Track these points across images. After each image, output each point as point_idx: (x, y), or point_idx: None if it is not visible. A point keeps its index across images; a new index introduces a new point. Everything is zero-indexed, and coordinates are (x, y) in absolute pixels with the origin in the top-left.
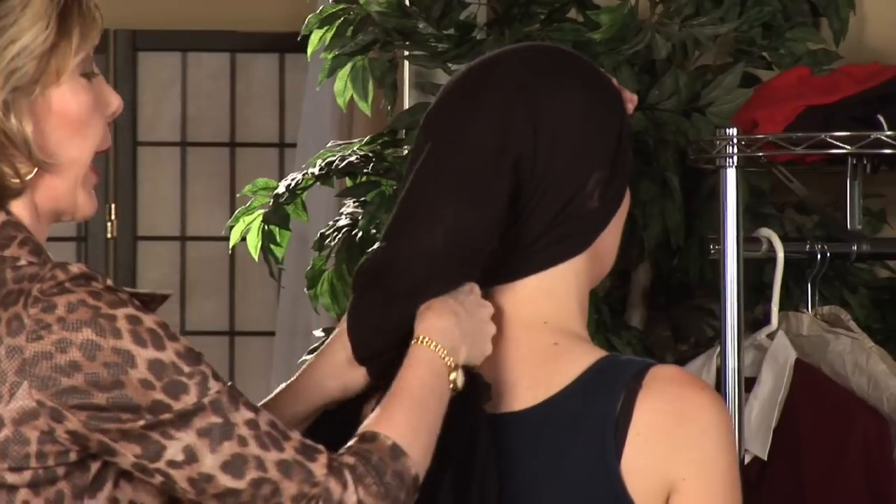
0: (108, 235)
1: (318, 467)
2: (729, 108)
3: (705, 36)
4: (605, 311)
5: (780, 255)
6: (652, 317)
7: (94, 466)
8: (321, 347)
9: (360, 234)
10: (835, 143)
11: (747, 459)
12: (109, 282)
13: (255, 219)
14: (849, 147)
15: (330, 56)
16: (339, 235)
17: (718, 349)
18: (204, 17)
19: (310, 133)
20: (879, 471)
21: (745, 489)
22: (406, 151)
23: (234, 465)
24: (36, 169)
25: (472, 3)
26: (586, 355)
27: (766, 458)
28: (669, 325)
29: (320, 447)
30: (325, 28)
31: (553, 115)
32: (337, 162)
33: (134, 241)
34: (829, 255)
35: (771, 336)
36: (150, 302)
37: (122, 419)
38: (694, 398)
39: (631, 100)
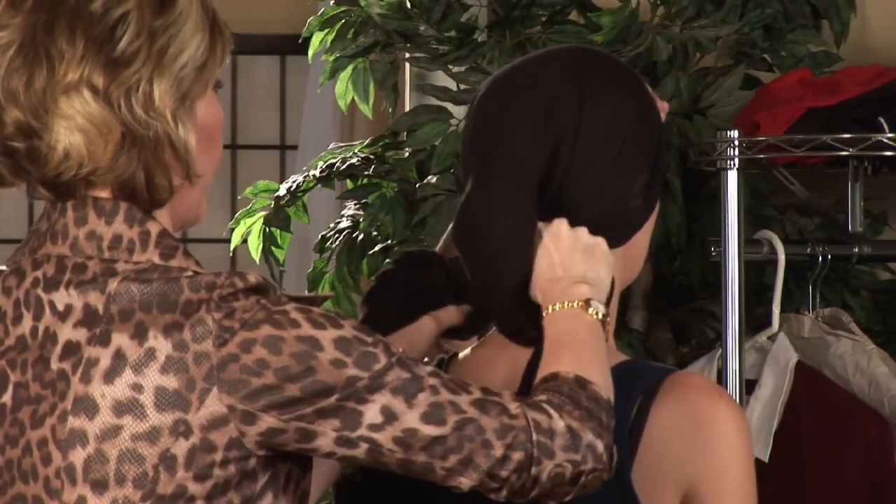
0: None
1: (509, 401)
2: (730, 110)
3: (706, 38)
4: None
5: (782, 257)
6: (653, 319)
7: (263, 478)
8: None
9: (361, 236)
10: (836, 145)
11: None
12: (279, 292)
13: (256, 221)
14: (850, 149)
15: (331, 58)
16: (341, 237)
17: (720, 351)
18: None
19: (311, 135)
20: (881, 472)
21: None
22: (407, 153)
23: (433, 414)
24: (181, 181)
25: (473, 5)
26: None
27: (767, 461)
28: (670, 327)
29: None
30: (327, 30)
31: (603, 115)
32: (338, 164)
33: None
34: (830, 257)
35: (772, 338)
36: (310, 304)
37: (318, 402)
38: (710, 405)
39: (663, 108)
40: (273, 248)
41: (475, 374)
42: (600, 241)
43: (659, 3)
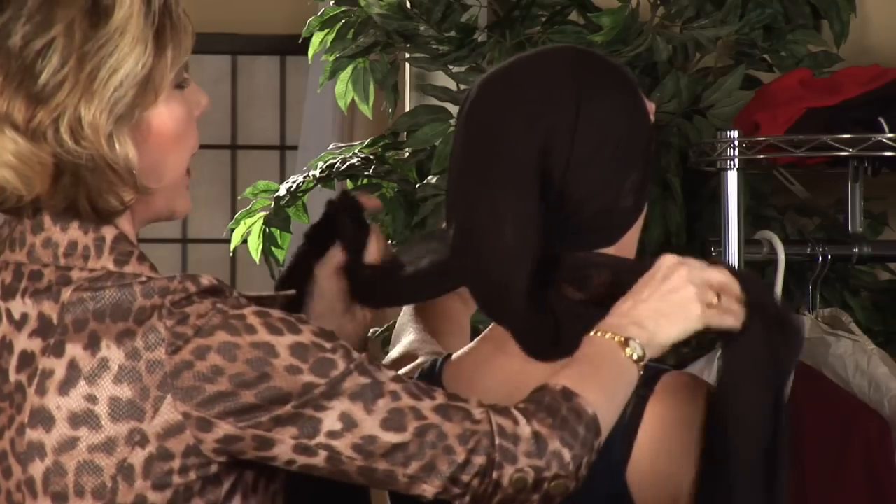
0: None
1: (474, 407)
2: (730, 110)
3: (706, 38)
4: None
5: (782, 257)
6: None
7: (228, 482)
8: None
9: None
10: (836, 145)
11: None
12: (236, 293)
13: (256, 221)
14: (850, 149)
15: (331, 58)
16: None
17: (720, 351)
18: (205, 20)
19: (311, 135)
20: (881, 473)
21: None
22: (407, 153)
23: (393, 421)
24: (133, 195)
25: (473, 5)
26: None
27: None
28: None
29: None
30: (327, 30)
31: (599, 114)
32: (338, 164)
33: None
34: (830, 257)
35: None
36: (271, 304)
37: (274, 409)
38: (703, 405)
39: (650, 108)
40: (273, 249)
41: (467, 376)
42: (687, 301)
43: (659, 3)
